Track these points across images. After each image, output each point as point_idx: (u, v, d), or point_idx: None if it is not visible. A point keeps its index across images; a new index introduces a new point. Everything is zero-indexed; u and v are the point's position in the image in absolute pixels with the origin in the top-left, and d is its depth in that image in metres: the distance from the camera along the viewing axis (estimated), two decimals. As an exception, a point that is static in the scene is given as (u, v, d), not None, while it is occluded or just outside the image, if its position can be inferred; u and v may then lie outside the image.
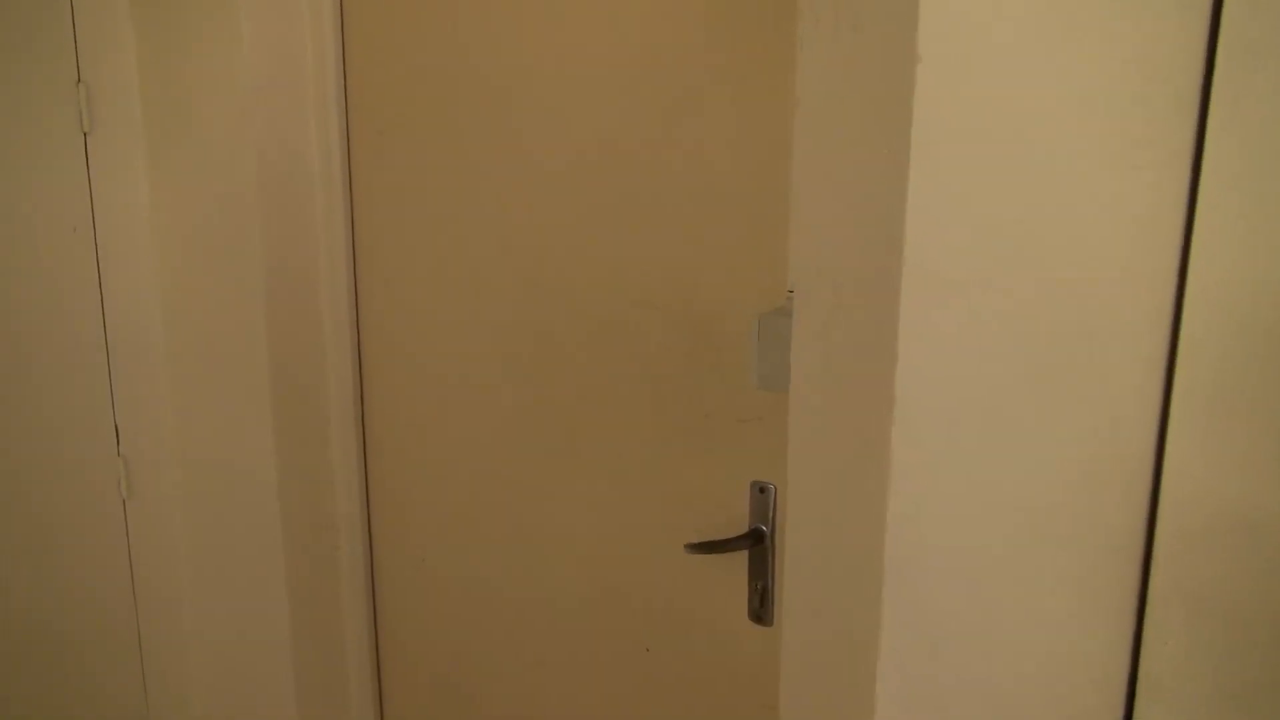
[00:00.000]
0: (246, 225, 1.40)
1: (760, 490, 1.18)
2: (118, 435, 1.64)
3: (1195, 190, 0.53)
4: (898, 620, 0.57)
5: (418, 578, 1.57)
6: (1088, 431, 0.56)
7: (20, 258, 1.50)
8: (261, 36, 1.35)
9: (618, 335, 1.31)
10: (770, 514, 1.18)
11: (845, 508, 0.63)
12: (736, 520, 1.22)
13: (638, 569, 1.34)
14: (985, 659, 0.59)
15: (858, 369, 0.60)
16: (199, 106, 1.46)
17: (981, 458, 0.57)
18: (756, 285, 1.20)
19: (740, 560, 1.22)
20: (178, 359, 1.64)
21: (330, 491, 1.53)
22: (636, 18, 1.23)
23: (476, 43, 1.34)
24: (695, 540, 1.21)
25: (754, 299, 1.21)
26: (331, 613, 1.57)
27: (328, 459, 1.52)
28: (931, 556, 0.57)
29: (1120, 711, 0.58)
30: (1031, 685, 0.59)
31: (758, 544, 1.18)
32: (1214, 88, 0.51)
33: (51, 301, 1.54)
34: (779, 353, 1.11)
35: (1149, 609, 0.57)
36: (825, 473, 0.66)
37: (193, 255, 1.56)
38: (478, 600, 1.51)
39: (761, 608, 1.20)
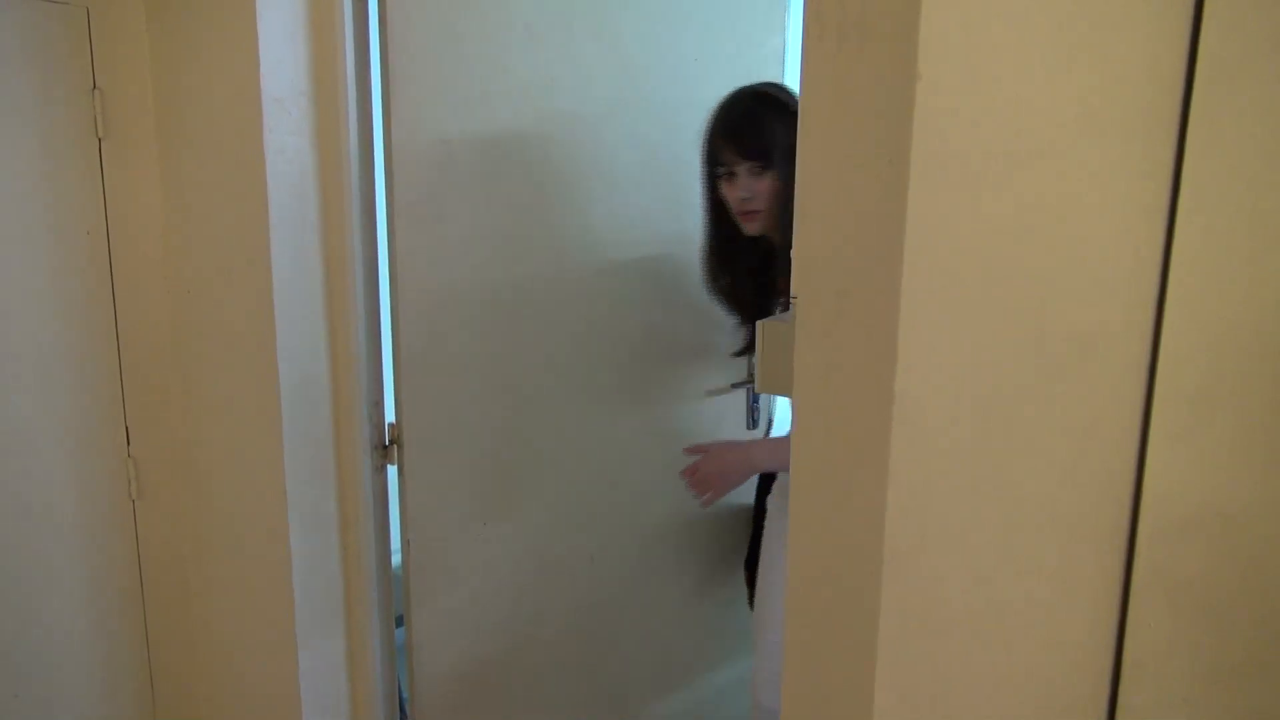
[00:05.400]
0: (258, 229, 1.43)
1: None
2: (128, 436, 1.66)
3: (1175, 203, 0.55)
4: (896, 609, 0.60)
5: (448, 574, 1.57)
6: (1076, 430, 0.59)
7: (35, 261, 1.52)
8: (276, 45, 1.38)
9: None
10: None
11: (849, 503, 0.65)
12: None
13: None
14: (981, 645, 0.61)
15: (860, 371, 0.63)
16: (212, 114, 1.49)
17: (976, 456, 0.60)
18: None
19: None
20: (189, 361, 1.66)
21: (345, 495, 1.55)
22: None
23: (517, 56, 1.34)
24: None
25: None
26: (345, 618, 1.59)
27: (341, 462, 1.54)
28: (929, 550, 0.60)
29: (1106, 692, 0.61)
30: (1024, 668, 0.62)
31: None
32: (1192, 109, 0.54)
33: (65, 304, 1.57)
34: (781, 358, 1.13)
35: (1132, 597, 0.60)
36: (830, 470, 0.68)
37: (204, 259, 1.58)
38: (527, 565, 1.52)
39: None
